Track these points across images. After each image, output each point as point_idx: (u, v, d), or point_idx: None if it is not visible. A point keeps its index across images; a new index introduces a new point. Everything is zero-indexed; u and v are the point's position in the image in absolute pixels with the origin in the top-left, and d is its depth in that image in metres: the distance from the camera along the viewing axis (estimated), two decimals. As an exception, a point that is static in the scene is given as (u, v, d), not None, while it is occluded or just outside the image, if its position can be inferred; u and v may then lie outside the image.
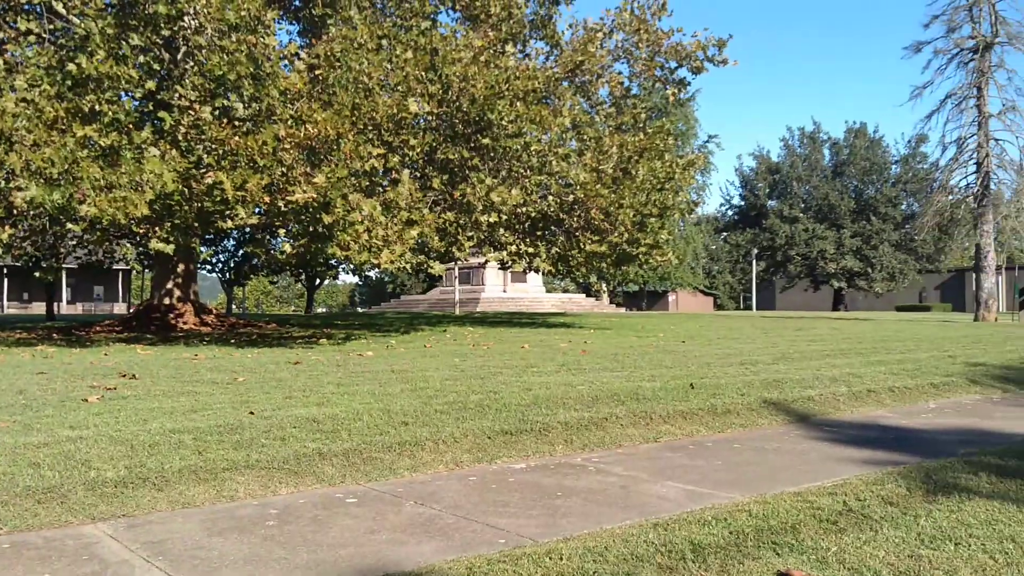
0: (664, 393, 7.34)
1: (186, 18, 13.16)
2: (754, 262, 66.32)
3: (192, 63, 13.29)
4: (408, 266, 13.25)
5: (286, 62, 13.28)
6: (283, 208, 11.54)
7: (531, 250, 16.42)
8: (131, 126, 12.57)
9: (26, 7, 14.37)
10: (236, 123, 12.14)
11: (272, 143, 11.24)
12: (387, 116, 12.77)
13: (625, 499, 4.45)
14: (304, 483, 4.69)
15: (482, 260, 22.28)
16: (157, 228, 12.25)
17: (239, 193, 11.02)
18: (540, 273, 18.55)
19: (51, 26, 14.17)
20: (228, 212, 11.58)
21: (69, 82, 12.63)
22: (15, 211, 11.95)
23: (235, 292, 50.27)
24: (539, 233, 16.93)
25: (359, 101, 12.43)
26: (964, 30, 34.49)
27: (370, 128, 12.78)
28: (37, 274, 18.21)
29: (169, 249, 12.57)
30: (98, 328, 17.56)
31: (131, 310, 34.75)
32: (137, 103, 13.67)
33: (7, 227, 12.15)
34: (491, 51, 14.59)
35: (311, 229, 11.87)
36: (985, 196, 33.43)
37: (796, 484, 4.68)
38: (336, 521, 3.99)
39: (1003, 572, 3.11)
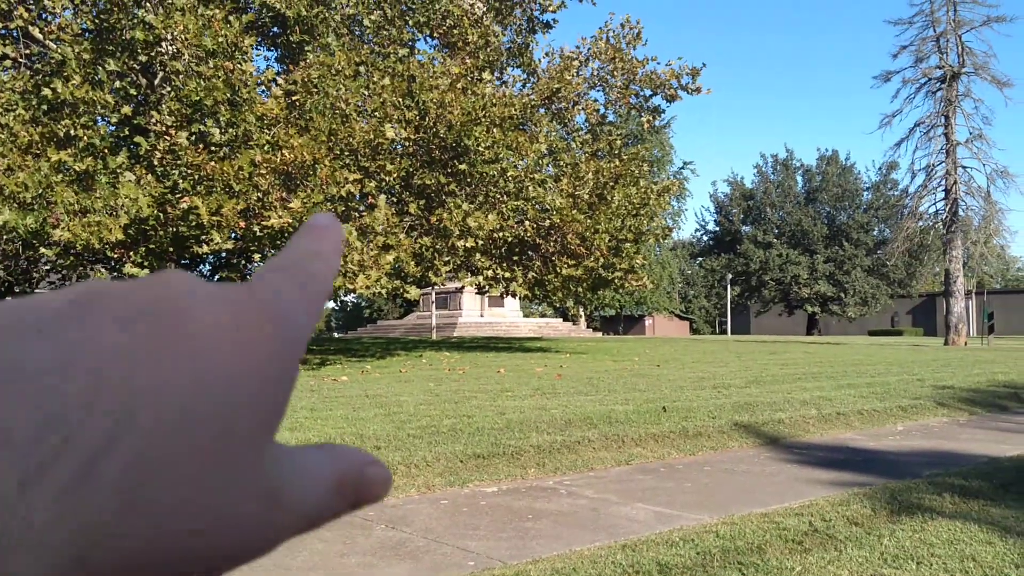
0: (637, 416, 7.41)
1: (163, 44, 13.22)
2: (729, 287, 66.83)
3: (169, 88, 13.33)
4: (384, 291, 13.28)
5: (263, 88, 13.34)
6: (259, 233, 11.57)
7: (508, 275, 16.50)
8: (106, 151, 12.57)
9: (2, 32, 14.37)
10: (212, 148, 12.17)
11: (248, 168, 11.28)
12: (364, 142, 12.86)
13: (595, 521, 4.50)
14: (276, 507, 4.70)
15: (459, 285, 22.33)
16: (132, 253, 12.22)
17: (214, 218, 11.03)
18: (517, 298, 18.62)
19: (27, 51, 14.18)
20: (203, 237, 11.58)
21: (44, 107, 12.63)
22: (-13, 235, 11.88)
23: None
24: (516, 258, 17.03)
25: (336, 127, 12.52)
26: (932, 60, 35.28)
27: (347, 153, 12.86)
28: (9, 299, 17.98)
29: (143, 274, 12.50)
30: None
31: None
32: (113, 128, 13.66)
33: (-21, 251, 12.07)
34: (468, 78, 14.76)
35: (287, 254, 11.88)
36: (954, 222, 34.01)
37: (763, 505, 4.76)
38: (306, 545, 4.01)
39: (960, 589, 3.19)
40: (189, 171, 11.65)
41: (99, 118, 12.97)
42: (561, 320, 54.38)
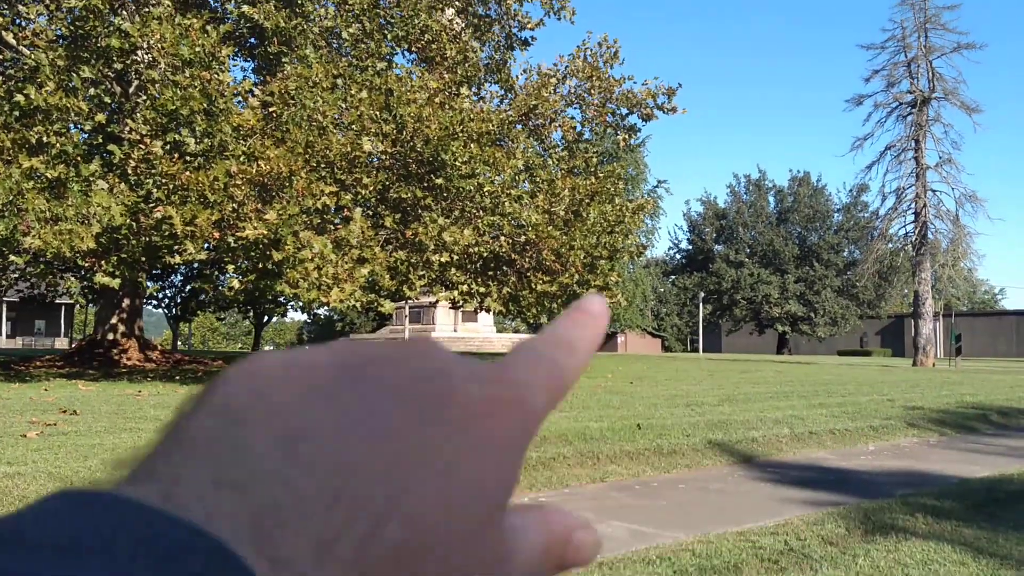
0: (611, 433, 7.41)
1: (139, 52, 13.12)
2: (701, 305, 67.31)
3: (144, 97, 13.22)
4: (358, 304, 13.21)
5: (240, 99, 13.27)
6: (233, 244, 11.46)
7: (482, 290, 16.48)
8: (79, 158, 12.42)
9: (-26, 36, 14.20)
10: (188, 158, 12.07)
11: (223, 179, 11.19)
12: (341, 154, 12.82)
13: (572, 539, 4.48)
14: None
15: (433, 299, 22.26)
16: (103, 262, 12.05)
17: (188, 228, 10.93)
18: (491, 313, 18.60)
19: (0, 56, 14.02)
20: (177, 247, 11.46)
21: (17, 113, 12.46)
22: (-45, 242, 11.67)
23: (181, 328, 49.40)
24: (491, 273, 17.02)
25: (313, 139, 12.47)
26: (903, 85, 35.90)
27: (323, 166, 12.81)
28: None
29: (115, 283, 12.37)
30: (39, 363, 17.10)
31: (74, 345, 33.89)
32: (86, 135, 13.51)
33: (-55, 258, 11.87)
34: (446, 93, 14.78)
35: (260, 266, 11.80)
36: (923, 245, 34.51)
37: (739, 524, 4.77)
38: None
39: (935, 609, 3.21)
40: (163, 180, 11.53)
41: (72, 125, 12.82)
42: (535, 336, 54.30)
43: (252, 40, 17.49)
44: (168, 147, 12.37)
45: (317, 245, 11.65)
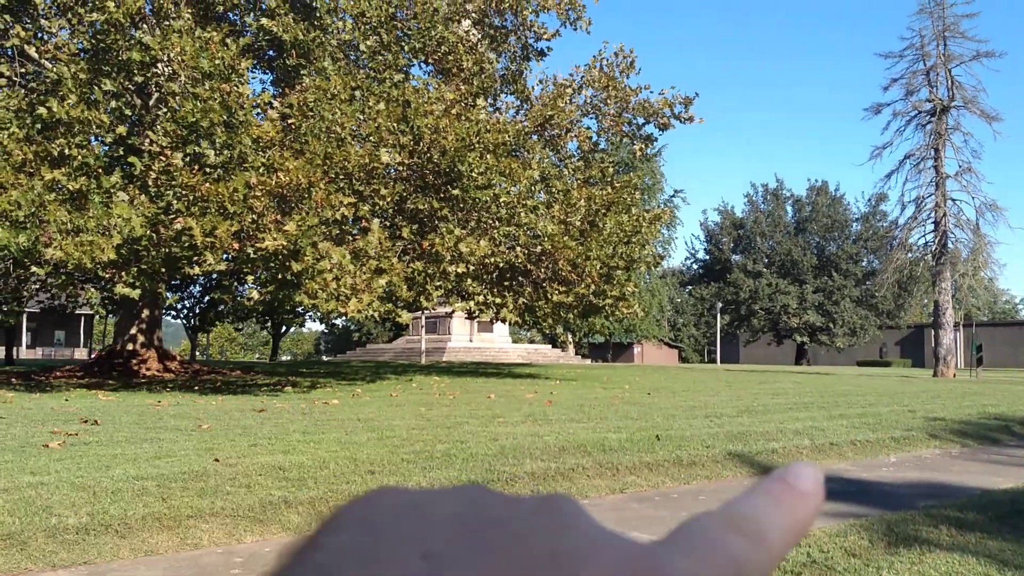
0: (630, 444, 7.38)
1: (159, 65, 13.25)
2: (718, 315, 67.00)
3: (165, 109, 13.34)
4: (376, 315, 13.24)
5: (259, 110, 13.37)
6: (252, 255, 11.53)
7: (498, 300, 16.48)
8: (100, 170, 12.56)
9: (-3, 50, 14.40)
10: (207, 170, 12.16)
11: (243, 190, 11.27)
12: (359, 166, 12.88)
13: (592, 550, 4.46)
14: (269, 531, 4.65)
15: (449, 310, 22.28)
16: (123, 273, 12.15)
17: (208, 239, 11.01)
18: (507, 323, 18.61)
19: (23, 70, 14.19)
20: (196, 258, 11.54)
21: (39, 125, 12.62)
22: (-22, 253, 11.81)
23: (199, 338, 49.67)
24: (506, 283, 17.03)
25: (331, 150, 12.53)
26: (922, 93, 35.66)
27: (341, 177, 12.87)
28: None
29: (135, 294, 12.47)
30: (59, 373, 17.24)
31: (93, 356, 34.13)
32: (107, 148, 13.65)
33: (-32, 269, 12.00)
34: (462, 104, 14.84)
35: (279, 276, 11.86)
36: (943, 254, 34.22)
37: (760, 536, 4.72)
38: None
39: (961, 623, 3.17)
40: (184, 192, 11.63)
41: (93, 137, 12.96)
42: (550, 346, 54.34)
43: (270, 52, 17.63)
44: (188, 159, 12.49)
45: (336, 256, 11.70)
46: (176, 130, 12.38)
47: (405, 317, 14.18)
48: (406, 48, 16.96)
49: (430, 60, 17.81)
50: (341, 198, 12.03)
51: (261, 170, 11.76)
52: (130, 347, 17.47)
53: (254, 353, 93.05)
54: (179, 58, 12.50)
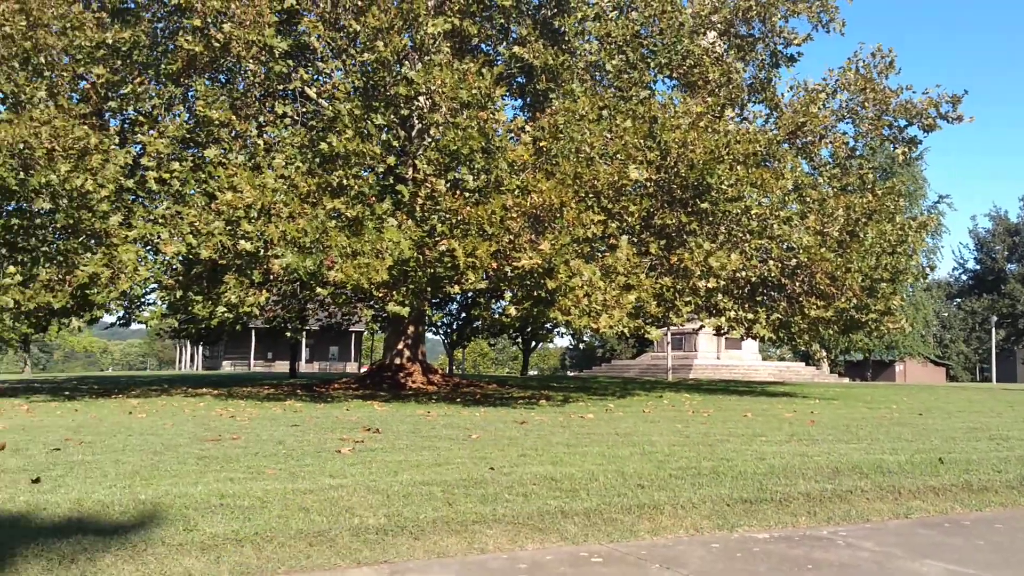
0: (910, 467, 6.88)
1: (420, 98, 14.25)
2: (993, 330, 60.74)
3: (428, 140, 14.29)
4: (625, 330, 13.32)
5: (513, 135, 13.97)
6: (509, 273, 12.04)
7: (750, 316, 15.99)
8: (373, 198, 13.66)
9: (282, 93, 16.12)
10: (467, 194, 12.87)
11: (500, 212, 11.81)
12: (607, 183, 13.07)
13: (882, 577, 4.22)
14: (549, 539, 4.82)
15: (696, 326, 21.89)
16: (394, 292, 13.12)
17: (470, 259, 11.62)
18: (757, 340, 18.00)
19: (303, 109, 15.78)
20: (459, 277, 12.22)
21: (319, 159, 13.98)
22: (272, 276, 13.25)
23: (454, 353, 52.45)
24: (759, 298, 16.50)
25: (581, 170, 12.82)
26: None
27: (591, 195, 13.12)
28: (288, 334, 19.99)
29: (405, 312, 13.41)
30: (336, 385, 18.90)
31: (364, 369, 37.15)
32: (379, 177, 14.82)
33: (263, 291, 13.46)
34: (709, 116, 14.63)
35: (534, 293, 12.28)
36: None
37: (1082, 574, 4.25)
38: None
39: None
40: (447, 215, 12.38)
41: (366, 168, 14.14)
42: (803, 364, 51.86)
43: (520, 79, 18.37)
44: (449, 184, 13.29)
45: (586, 273, 11.93)
46: (439, 158, 13.23)
47: (654, 333, 14.15)
48: (652, 64, 17.02)
49: (675, 74, 17.73)
50: (591, 216, 12.26)
51: (516, 192, 12.26)
52: (397, 361, 18.78)
53: (504, 367, 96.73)
54: (440, 90, 13.35)
